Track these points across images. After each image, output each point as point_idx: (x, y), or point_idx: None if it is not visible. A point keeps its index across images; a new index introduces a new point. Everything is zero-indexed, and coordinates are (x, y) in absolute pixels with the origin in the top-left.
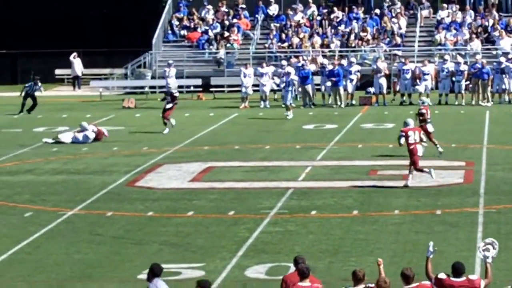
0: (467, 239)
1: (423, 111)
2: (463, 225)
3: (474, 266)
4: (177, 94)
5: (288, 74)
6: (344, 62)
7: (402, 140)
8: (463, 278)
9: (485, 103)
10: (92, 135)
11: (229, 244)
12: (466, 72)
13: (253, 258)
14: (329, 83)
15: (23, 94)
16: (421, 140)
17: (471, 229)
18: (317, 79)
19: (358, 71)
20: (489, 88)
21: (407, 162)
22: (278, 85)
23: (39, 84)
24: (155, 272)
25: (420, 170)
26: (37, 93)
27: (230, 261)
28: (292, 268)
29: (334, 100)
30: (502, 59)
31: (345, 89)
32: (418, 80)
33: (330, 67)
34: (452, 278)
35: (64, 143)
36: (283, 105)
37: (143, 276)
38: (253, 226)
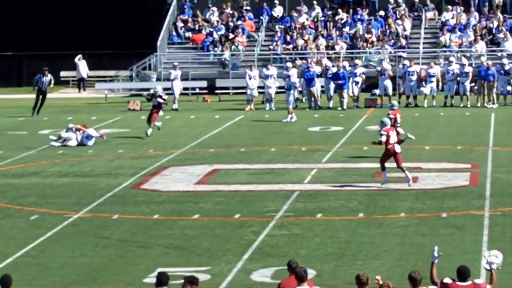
0: (473, 242)
1: (391, 116)
2: (469, 228)
3: (479, 270)
4: (165, 97)
5: (289, 77)
6: (346, 64)
7: (384, 138)
8: (468, 282)
9: (491, 105)
10: (94, 133)
11: (235, 247)
12: (470, 74)
13: (259, 262)
14: (332, 86)
15: (35, 90)
16: (400, 141)
17: (477, 232)
18: (321, 82)
19: (363, 73)
20: (494, 90)
21: (410, 164)
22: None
23: (49, 75)
24: (161, 281)
25: (383, 168)
26: (48, 86)
27: (235, 265)
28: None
29: (340, 103)
30: (505, 60)
31: (350, 91)
32: (423, 82)
33: (333, 69)
34: (457, 283)
35: (69, 146)
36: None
37: (149, 280)
38: (258, 229)
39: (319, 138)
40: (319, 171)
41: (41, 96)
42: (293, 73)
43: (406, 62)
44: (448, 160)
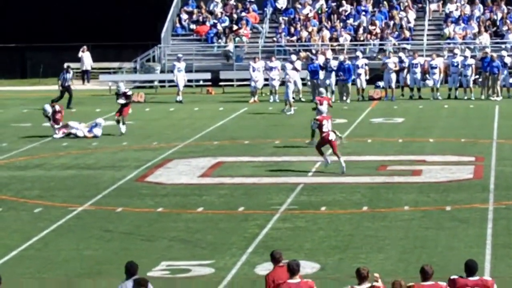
0: (477, 235)
1: (316, 102)
2: (473, 221)
3: (484, 263)
4: (130, 93)
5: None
6: (341, 57)
7: (314, 126)
8: (476, 277)
9: (495, 97)
10: (102, 121)
11: (239, 240)
12: (473, 66)
13: (263, 255)
14: (333, 79)
15: (60, 88)
16: (335, 132)
17: (481, 225)
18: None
19: (366, 64)
20: (498, 82)
21: (414, 157)
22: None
23: (71, 72)
24: (130, 270)
25: (321, 153)
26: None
27: (239, 258)
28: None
29: (341, 95)
30: (504, 52)
31: (353, 84)
32: (428, 75)
33: (334, 62)
34: (465, 277)
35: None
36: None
37: (153, 273)
38: (262, 222)
39: None
40: (323, 164)
41: (66, 92)
42: (290, 65)
43: (402, 55)
44: (452, 153)
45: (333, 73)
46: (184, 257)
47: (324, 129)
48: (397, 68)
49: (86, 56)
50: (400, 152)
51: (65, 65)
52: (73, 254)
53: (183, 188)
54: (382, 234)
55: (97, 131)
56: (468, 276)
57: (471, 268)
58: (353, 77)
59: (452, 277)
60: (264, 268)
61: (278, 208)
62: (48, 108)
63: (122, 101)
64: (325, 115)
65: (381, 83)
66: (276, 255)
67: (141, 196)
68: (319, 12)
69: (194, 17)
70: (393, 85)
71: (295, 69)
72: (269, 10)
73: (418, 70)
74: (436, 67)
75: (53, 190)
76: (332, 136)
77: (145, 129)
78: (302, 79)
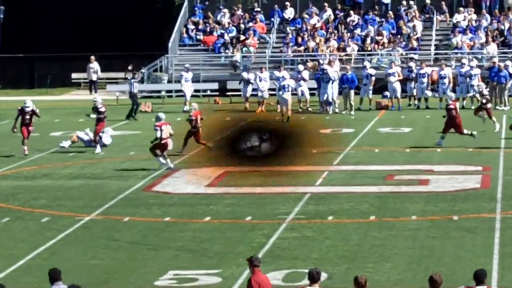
0: (484, 245)
1: (193, 118)
2: (480, 231)
3: (491, 273)
4: (103, 109)
5: (283, 78)
6: (333, 68)
7: (159, 134)
8: (485, 287)
9: (502, 107)
10: (110, 130)
11: (246, 250)
12: (479, 76)
13: (270, 265)
14: (329, 90)
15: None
16: (171, 134)
17: (488, 235)
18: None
19: (372, 75)
20: (506, 92)
21: (422, 167)
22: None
23: (134, 74)
24: (53, 277)
25: (155, 155)
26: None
27: (246, 268)
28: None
29: (345, 105)
30: (509, 62)
31: (357, 93)
32: (436, 85)
33: (332, 74)
34: (474, 287)
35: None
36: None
37: (160, 282)
38: (269, 232)
39: (330, 140)
40: (330, 173)
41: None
42: (287, 74)
43: (412, 64)
44: (459, 163)
45: (331, 84)
46: (191, 266)
47: (164, 135)
48: (401, 78)
49: (93, 66)
50: (408, 161)
51: (129, 67)
52: (80, 264)
53: (190, 198)
54: (389, 244)
55: (106, 140)
56: (477, 285)
57: (480, 277)
58: (357, 84)
59: (460, 287)
60: (272, 278)
61: (285, 218)
62: (30, 104)
63: (93, 115)
64: (164, 121)
65: (387, 93)
66: (254, 261)
67: (148, 205)
68: (327, 22)
69: (202, 27)
70: (398, 95)
71: (302, 79)
72: (276, 20)
73: (425, 80)
74: (445, 77)
75: (60, 200)
76: (170, 145)
77: (152, 139)
78: (311, 89)
